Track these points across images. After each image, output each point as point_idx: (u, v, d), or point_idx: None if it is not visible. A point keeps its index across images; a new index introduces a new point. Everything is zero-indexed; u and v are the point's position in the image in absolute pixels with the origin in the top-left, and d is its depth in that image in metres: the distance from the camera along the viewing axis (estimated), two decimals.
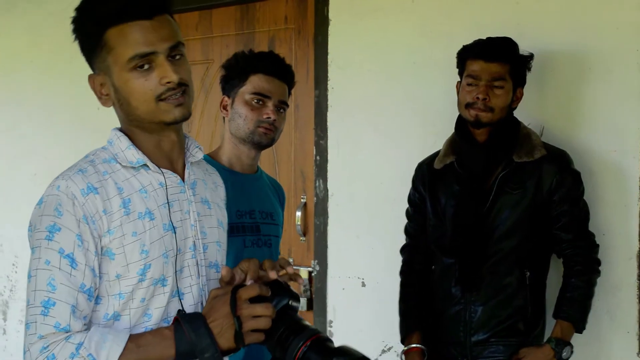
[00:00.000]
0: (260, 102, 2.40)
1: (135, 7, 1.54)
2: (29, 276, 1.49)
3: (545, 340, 2.53)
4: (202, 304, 1.64)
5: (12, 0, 4.45)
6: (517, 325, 2.53)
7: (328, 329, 3.35)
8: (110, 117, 1.73)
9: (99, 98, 1.63)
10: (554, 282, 2.62)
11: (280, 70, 2.44)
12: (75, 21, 1.59)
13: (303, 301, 3.46)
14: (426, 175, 2.72)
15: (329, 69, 3.33)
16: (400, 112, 3.16)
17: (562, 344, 2.47)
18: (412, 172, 2.81)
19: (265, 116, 2.39)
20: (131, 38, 1.54)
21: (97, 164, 1.58)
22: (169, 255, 1.59)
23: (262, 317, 1.49)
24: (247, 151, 2.45)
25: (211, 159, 2.45)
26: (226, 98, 2.47)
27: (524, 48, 2.59)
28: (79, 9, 1.58)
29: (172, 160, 1.66)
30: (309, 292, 3.47)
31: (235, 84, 2.44)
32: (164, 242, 1.58)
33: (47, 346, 1.43)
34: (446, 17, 3.04)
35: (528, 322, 2.54)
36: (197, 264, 1.66)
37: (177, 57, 1.58)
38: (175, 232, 1.61)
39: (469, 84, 2.54)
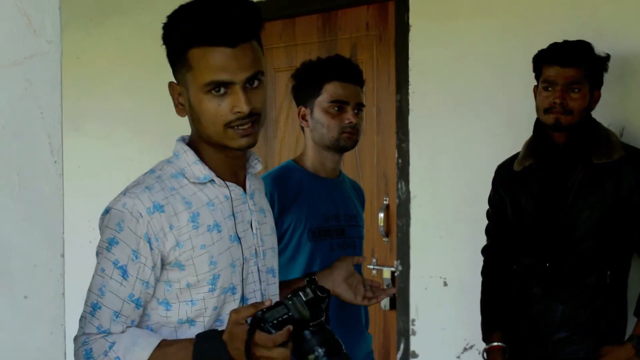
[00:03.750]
0: (340, 109, 2.46)
1: (221, 33, 1.56)
2: (93, 276, 1.62)
3: (626, 338, 2.55)
4: None
5: (104, 13, 4.66)
6: (598, 324, 2.54)
7: (411, 327, 3.41)
8: None
9: (175, 106, 1.69)
10: (635, 281, 2.64)
11: (352, 75, 2.50)
12: (164, 29, 1.65)
13: (386, 300, 3.54)
14: (506, 177, 2.75)
15: (410, 73, 3.39)
16: (480, 115, 3.21)
17: None
18: (493, 174, 2.85)
19: (347, 121, 2.45)
20: (211, 63, 1.57)
21: (164, 180, 1.64)
22: (236, 265, 1.67)
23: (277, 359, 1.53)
24: (331, 156, 2.52)
25: (296, 164, 2.55)
26: (303, 108, 2.53)
27: (603, 49, 2.61)
28: (169, 18, 1.64)
29: (235, 172, 1.72)
30: None
31: (310, 94, 2.50)
32: (230, 253, 1.66)
33: (88, 341, 1.57)
34: (525, 19, 3.07)
35: (609, 321, 2.55)
36: (258, 270, 1.74)
37: (255, 83, 1.61)
38: (240, 243, 1.69)
39: (545, 89, 2.57)
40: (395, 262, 3.52)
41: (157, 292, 1.63)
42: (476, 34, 3.21)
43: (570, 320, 2.55)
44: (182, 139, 1.73)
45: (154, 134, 4.33)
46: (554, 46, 2.59)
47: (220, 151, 1.67)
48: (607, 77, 2.64)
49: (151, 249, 1.58)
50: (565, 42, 2.58)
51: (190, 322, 1.64)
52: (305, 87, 2.53)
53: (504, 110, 3.13)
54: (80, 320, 1.61)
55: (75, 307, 1.68)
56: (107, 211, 1.62)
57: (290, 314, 1.56)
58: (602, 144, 2.56)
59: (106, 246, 1.59)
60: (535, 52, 2.65)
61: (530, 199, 2.64)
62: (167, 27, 1.65)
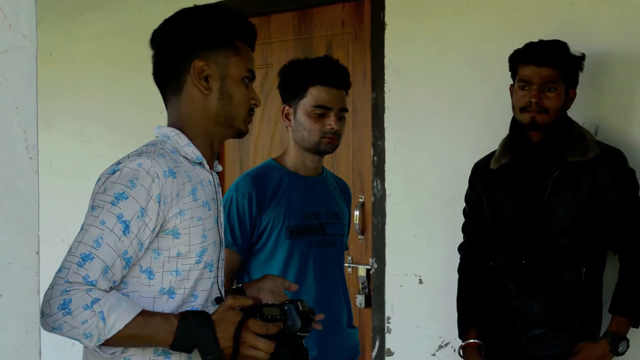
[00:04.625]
0: (322, 114, 2.47)
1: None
2: (81, 229, 1.62)
3: (601, 335, 2.57)
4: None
5: (79, 9, 4.62)
6: (573, 321, 2.56)
7: (386, 325, 3.42)
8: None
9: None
10: (610, 278, 2.66)
11: (337, 80, 2.51)
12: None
13: (361, 298, 3.55)
14: (482, 175, 2.76)
15: (386, 71, 3.40)
16: (457, 114, 3.22)
17: (618, 338, 2.50)
18: (468, 172, 2.86)
19: (328, 127, 2.46)
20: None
21: (168, 152, 1.71)
22: (216, 244, 1.77)
23: (261, 351, 1.64)
24: (311, 157, 2.53)
25: (277, 163, 2.55)
26: (287, 107, 2.54)
27: (578, 48, 2.63)
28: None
29: (211, 165, 1.83)
30: (367, 290, 3.55)
31: (295, 95, 2.51)
32: (214, 232, 1.75)
33: (69, 290, 1.54)
34: (501, 19, 3.09)
35: (584, 318, 2.57)
36: (219, 258, 1.81)
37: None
38: (218, 226, 1.79)
39: (521, 88, 2.58)
40: (370, 260, 3.52)
41: (142, 260, 1.66)
42: (452, 32, 3.23)
43: (546, 317, 2.57)
44: (164, 127, 1.79)
45: (128, 132, 4.30)
46: (530, 46, 2.60)
47: (209, 140, 1.80)
48: (582, 76, 2.66)
49: (158, 212, 1.63)
50: (541, 41, 2.59)
51: (170, 293, 1.68)
52: (290, 86, 2.53)
53: (481, 108, 3.14)
54: (60, 271, 1.57)
55: None
56: (115, 170, 1.65)
57: (283, 317, 1.67)
58: (577, 142, 2.58)
59: (111, 200, 1.61)
60: (511, 51, 2.67)
61: (507, 197, 2.65)
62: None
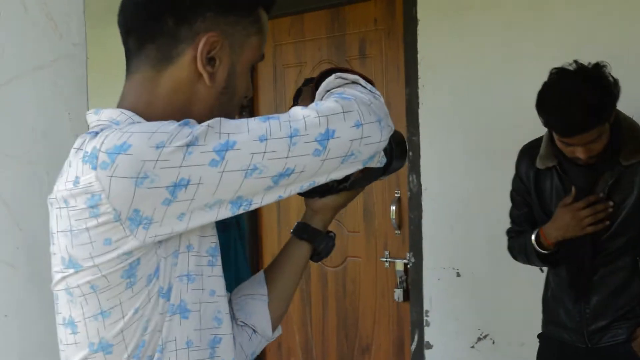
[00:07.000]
0: None
1: None
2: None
3: None
4: None
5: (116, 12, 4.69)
6: (635, 309, 2.50)
7: (425, 318, 3.45)
8: None
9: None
10: None
11: None
12: None
13: (399, 292, 3.58)
14: (530, 169, 2.62)
15: (419, 67, 3.42)
16: (490, 107, 3.24)
17: None
18: (504, 165, 2.82)
19: None
20: None
21: None
22: None
23: None
24: None
25: None
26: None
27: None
28: None
29: None
30: (405, 284, 3.58)
31: None
32: None
33: None
34: (533, 12, 3.10)
35: None
36: None
37: None
38: None
39: (561, 142, 2.39)
40: (407, 254, 3.55)
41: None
42: (484, 27, 3.24)
43: (606, 310, 2.50)
44: (108, 109, 1.23)
45: None
46: (561, 121, 2.34)
47: None
48: (629, 65, 2.55)
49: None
50: (571, 113, 2.29)
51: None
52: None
53: (513, 102, 3.15)
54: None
55: None
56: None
57: None
58: (629, 141, 2.42)
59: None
60: (544, 44, 2.64)
61: (556, 196, 2.54)
62: None
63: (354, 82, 1.28)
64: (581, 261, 2.51)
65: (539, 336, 2.70)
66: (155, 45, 1.21)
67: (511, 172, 2.70)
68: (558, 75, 2.39)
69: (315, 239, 1.43)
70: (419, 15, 3.41)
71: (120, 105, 1.22)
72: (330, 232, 1.47)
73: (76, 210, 1.11)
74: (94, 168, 1.08)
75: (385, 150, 1.31)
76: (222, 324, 1.24)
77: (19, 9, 1.27)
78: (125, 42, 1.25)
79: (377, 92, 1.29)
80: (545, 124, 2.42)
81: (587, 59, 2.39)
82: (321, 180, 1.20)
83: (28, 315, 1.40)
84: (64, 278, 1.15)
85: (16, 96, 1.27)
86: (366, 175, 1.29)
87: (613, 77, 2.34)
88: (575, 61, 2.38)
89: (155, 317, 1.15)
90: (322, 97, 1.29)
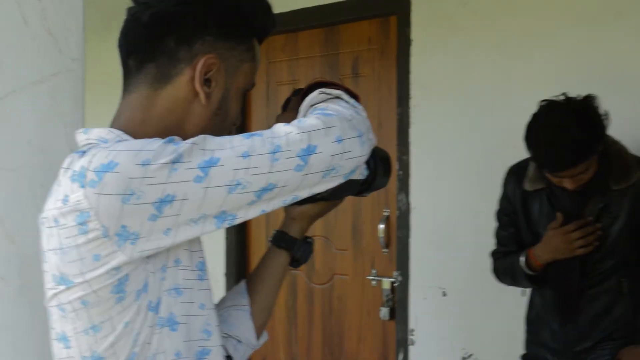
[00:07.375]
0: None
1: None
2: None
3: None
4: None
5: (110, 28, 4.70)
6: (620, 330, 2.51)
7: (410, 337, 3.46)
8: None
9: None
10: None
11: None
12: None
13: (386, 311, 3.59)
14: (517, 189, 2.61)
15: (411, 87, 3.44)
16: (481, 129, 3.26)
17: None
18: (493, 186, 2.80)
19: None
20: None
21: None
22: None
23: None
24: None
25: None
26: None
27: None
28: None
29: None
30: (391, 302, 3.59)
31: None
32: None
33: None
34: (525, 34, 3.13)
35: (631, 325, 2.51)
36: None
37: None
38: None
39: (550, 173, 2.39)
40: (394, 273, 3.56)
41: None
42: (477, 48, 3.27)
43: (592, 332, 2.52)
44: (98, 129, 1.26)
45: None
46: (547, 158, 2.34)
47: None
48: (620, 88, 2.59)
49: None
50: (558, 150, 2.29)
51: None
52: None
53: (505, 123, 3.17)
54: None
55: None
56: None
57: None
58: (617, 165, 2.43)
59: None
60: (536, 67, 2.66)
61: (544, 218, 2.54)
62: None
63: (337, 97, 1.33)
64: (569, 283, 2.53)
65: (522, 357, 2.72)
66: (155, 64, 1.25)
67: (500, 193, 2.73)
68: (547, 109, 2.39)
69: (293, 247, 1.49)
70: (412, 36, 3.44)
71: (113, 123, 1.26)
72: (309, 237, 1.52)
73: (66, 229, 1.14)
74: (83, 186, 1.11)
75: (368, 164, 1.35)
76: (212, 336, 1.27)
77: (19, 22, 1.29)
78: (125, 63, 1.29)
79: (360, 106, 1.34)
80: (533, 159, 2.42)
81: (578, 80, 2.41)
82: (304, 194, 1.23)
83: (19, 328, 1.40)
84: (55, 295, 1.18)
85: (13, 110, 1.28)
86: (345, 187, 1.31)
87: (601, 112, 2.33)
88: (564, 94, 2.37)
89: (145, 330, 1.18)
90: (306, 111, 1.33)
